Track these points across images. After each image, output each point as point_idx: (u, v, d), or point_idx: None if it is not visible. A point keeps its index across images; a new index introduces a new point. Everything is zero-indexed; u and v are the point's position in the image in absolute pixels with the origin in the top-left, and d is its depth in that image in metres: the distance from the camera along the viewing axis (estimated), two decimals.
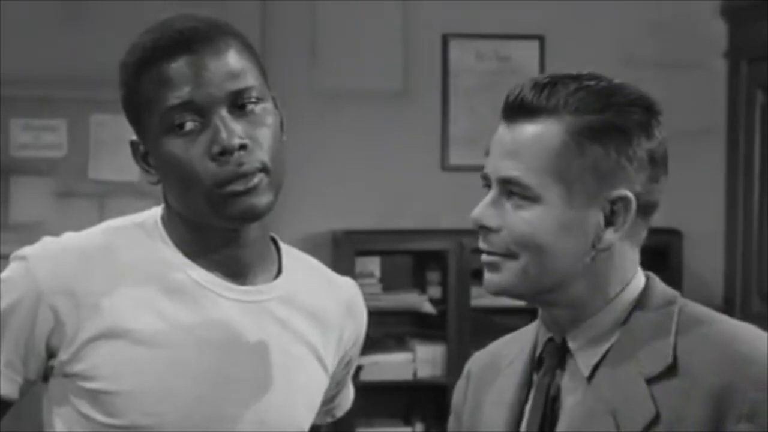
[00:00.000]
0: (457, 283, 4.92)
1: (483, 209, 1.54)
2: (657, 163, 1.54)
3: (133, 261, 1.67)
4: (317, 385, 1.79)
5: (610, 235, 1.52)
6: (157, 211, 1.73)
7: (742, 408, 1.44)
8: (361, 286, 5.62)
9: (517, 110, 1.53)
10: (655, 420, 1.46)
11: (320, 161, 4.99)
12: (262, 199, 1.62)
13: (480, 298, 4.96)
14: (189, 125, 1.61)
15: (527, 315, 5.21)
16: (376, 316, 5.02)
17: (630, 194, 1.51)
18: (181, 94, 1.59)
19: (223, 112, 1.60)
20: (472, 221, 1.55)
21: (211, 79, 1.60)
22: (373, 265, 4.98)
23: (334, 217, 5.07)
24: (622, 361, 1.52)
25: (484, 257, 1.55)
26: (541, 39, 5.23)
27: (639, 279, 1.58)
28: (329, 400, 1.90)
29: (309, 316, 1.77)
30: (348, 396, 1.95)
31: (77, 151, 4.94)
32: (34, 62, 4.77)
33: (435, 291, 5.03)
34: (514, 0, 5.17)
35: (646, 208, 1.55)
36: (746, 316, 1.44)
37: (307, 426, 1.78)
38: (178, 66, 1.60)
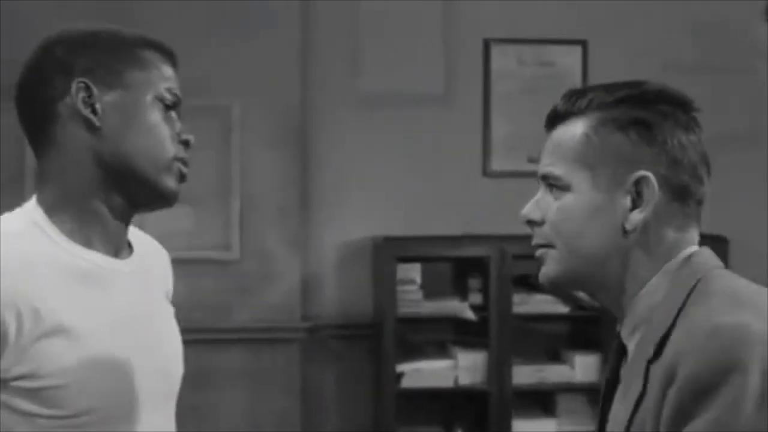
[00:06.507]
0: (499, 290, 4.89)
1: (529, 206, 1.70)
2: (684, 147, 1.61)
3: (47, 258, 1.75)
4: (178, 331, 2.00)
5: (636, 215, 1.61)
6: (30, 211, 1.81)
7: (677, 378, 1.46)
8: (402, 293, 5.59)
9: (553, 119, 1.71)
10: (641, 398, 1.53)
11: (361, 166, 4.97)
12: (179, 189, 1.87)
13: (521, 305, 4.94)
14: (171, 109, 1.86)
15: (568, 322, 5.21)
16: (417, 322, 5.04)
17: (649, 174, 1.60)
18: (174, 87, 1.85)
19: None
20: (520, 218, 1.71)
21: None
22: (414, 271, 4.95)
23: (374, 224, 5.05)
24: (643, 344, 1.59)
25: (536, 252, 1.69)
26: (583, 44, 5.20)
27: (679, 260, 1.62)
28: None
29: (159, 275, 1.99)
30: None
31: None
32: None
33: (476, 298, 5.00)
34: (556, 3, 5.14)
35: (677, 192, 1.61)
36: None
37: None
38: (168, 64, 1.87)
